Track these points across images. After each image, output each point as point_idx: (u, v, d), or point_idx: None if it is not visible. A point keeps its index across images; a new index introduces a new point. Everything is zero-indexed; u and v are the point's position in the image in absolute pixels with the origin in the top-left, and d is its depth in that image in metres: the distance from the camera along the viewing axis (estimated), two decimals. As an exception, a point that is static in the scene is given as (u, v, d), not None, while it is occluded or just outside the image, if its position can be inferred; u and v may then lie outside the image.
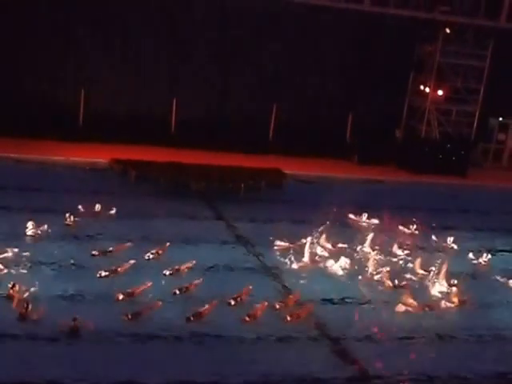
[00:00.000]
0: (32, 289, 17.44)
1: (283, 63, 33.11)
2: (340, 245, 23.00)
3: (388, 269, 21.50)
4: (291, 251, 22.31)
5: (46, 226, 21.53)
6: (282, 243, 22.71)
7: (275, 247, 22.56)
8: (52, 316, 16.39)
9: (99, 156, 28.98)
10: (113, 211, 23.74)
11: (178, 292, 18.50)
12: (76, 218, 22.64)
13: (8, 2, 29.90)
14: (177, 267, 19.86)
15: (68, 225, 22.30)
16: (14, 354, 15.20)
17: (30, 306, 16.58)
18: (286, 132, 33.01)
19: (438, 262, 22.12)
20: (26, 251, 19.80)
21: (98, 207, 23.63)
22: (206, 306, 17.61)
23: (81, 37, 30.85)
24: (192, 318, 17.22)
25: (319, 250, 22.43)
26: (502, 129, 36.80)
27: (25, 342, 15.72)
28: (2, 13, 29.90)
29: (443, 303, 20.00)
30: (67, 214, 22.46)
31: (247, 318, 17.52)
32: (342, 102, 33.90)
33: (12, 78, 30.59)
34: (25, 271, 18.74)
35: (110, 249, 20.56)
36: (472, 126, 34.29)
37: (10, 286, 17.45)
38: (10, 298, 17.18)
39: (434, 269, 21.73)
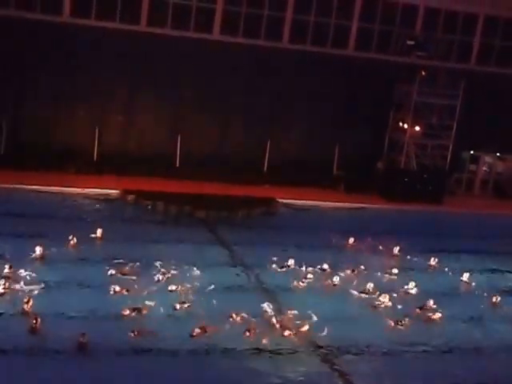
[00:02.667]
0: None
1: (277, 103, 33.38)
2: (328, 265, 23.19)
3: (373, 286, 21.71)
4: (285, 271, 22.51)
5: (61, 249, 21.89)
6: (277, 264, 22.87)
7: (270, 268, 22.72)
8: (62, 331, 16.55)
9: (112, 187, 29.17)
10: (124, 236, 23.92)
11: (179, 309, 18.67)
12: (89, 242, 22.92)
13: (28, 55, 30.52)
14: (181, 287, 20.04)
15: (81, 247, 22.50)
16: (24, 367, 15.32)
17: (39, 321, 16.73)
18: (279, 164, 33.21)
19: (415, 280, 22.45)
20: (44, 271, 20.10)
21: (110, 233, 23.81)
22: (207, 323, 17.73)
23: (93, 84, 31.19)
24: (195, 334, 17.36)
25: (310, 270, 22.60)
26: (472, 161, 36.92)
27: (34, 356, 15.78)
28: (29, 65, 30.62)
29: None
30: (81, 239, 22.75)
31: (247, 334, 17.66)
32: (329, 137, 33.79)
33: (36, 120, 31.12)
34: (40, 290, 18.90)
35: (122, 270, 20.79)
36: (446, 158, 34.35)
37: (25, 301, 17.66)
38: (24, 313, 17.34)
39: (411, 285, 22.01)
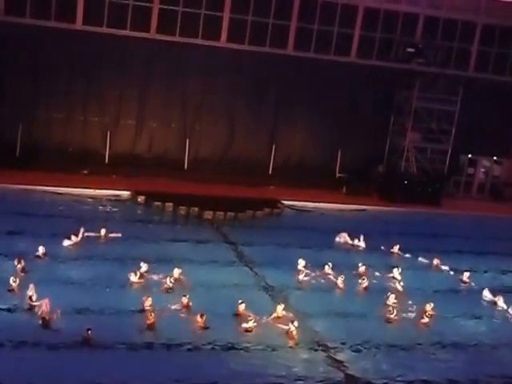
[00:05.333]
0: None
1: (281, 108, 33.47)
2: (330, 265, 22.99)
3: (373, 285, 21.58)
4: (288, 270, 22.41)
5: (71, 247, 21.99)
6: (281, 263, 22.75)
7: (274, 267, 22.60)
8: (70, 326, 16.60)
9: (123, 188, 29.12)
10: (134, 236, 23.85)
11: (184, 306, 18.64)
12: (99, 241, 22.89)
13: (43, 60, 30.60)
14: (187, 285, 19.99)
15: (91, 246, 22.45)
16: (34, 360, 15.31)
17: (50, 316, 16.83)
18: (284, 167, 33.36)
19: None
20: (53, 269, 20.13)
21: (121, 232, 23.74)
22: (211, 320, 17.69)
23: (105, 90, 31.47)
24: (199, 331, 17.34)
25: (313, 270, 22.47)
26: (470, 164, 36.88)
27: (44, 349, 15.83)
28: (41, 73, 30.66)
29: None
30: (91, 238, 22.76)
31: (251, 330, 17.65)
32: (332, 141, 33.93)
33: (50, 123, 31.34)
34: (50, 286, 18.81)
35: (132, 268, 20.71)
36: (445, 161, 34.32)
37: (29, 295, 17.62)
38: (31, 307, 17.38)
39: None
